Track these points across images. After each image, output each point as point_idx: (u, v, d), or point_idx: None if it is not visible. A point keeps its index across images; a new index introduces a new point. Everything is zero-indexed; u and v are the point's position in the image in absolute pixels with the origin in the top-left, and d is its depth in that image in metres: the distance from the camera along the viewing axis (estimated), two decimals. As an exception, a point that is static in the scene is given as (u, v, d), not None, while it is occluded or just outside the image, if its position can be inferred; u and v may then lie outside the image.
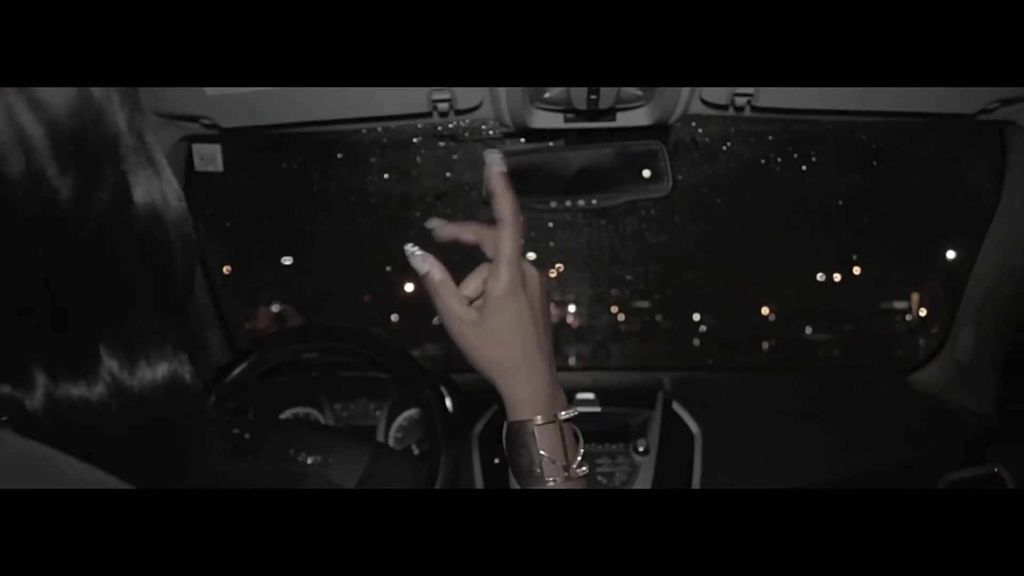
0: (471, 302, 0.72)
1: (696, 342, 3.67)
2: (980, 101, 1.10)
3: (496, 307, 0.68)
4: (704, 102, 1.13)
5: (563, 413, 0.72)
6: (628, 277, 2.43)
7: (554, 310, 3.12)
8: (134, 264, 0.45)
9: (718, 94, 1.11)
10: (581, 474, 0.72)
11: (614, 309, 3.36)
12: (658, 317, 3.52)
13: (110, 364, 0.44)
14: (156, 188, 0.47)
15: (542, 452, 0.70)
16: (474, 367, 0.72)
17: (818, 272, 3.02)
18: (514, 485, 0.73)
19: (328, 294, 2.70)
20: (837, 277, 3.13)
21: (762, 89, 1.08)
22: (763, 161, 1.65)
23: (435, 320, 0.72)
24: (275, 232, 2.02)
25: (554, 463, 0.70)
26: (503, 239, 0.69)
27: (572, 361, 3.18)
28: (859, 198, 1.89)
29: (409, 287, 2.83)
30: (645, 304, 3.39)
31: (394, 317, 3.01)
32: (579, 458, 0.73)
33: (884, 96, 1.09)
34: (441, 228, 0.74)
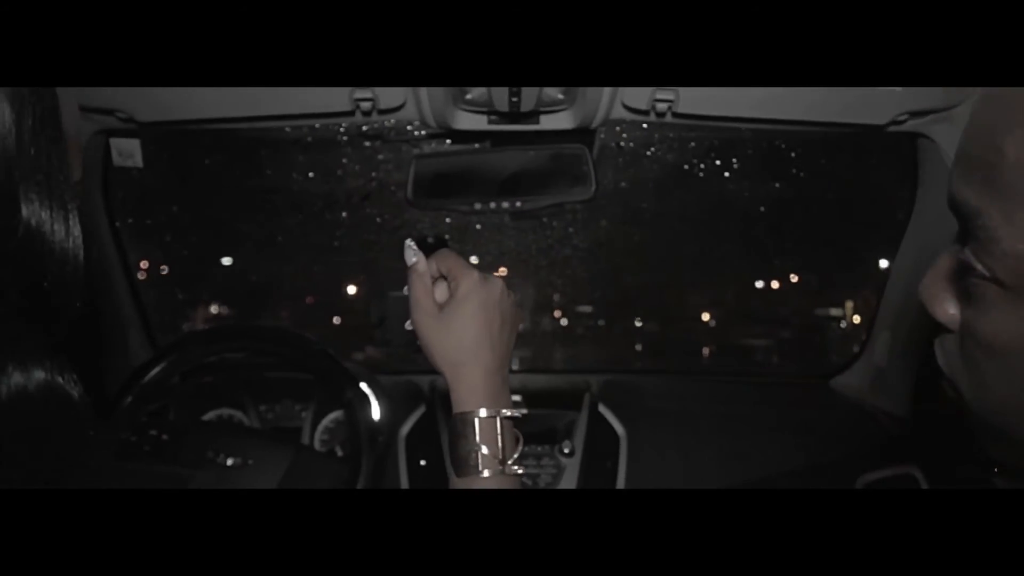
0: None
1: (638, 347, 3.71)
2: (889, 112, 1.14)
3: (453, 306, 0.78)
4: (626, 107, 1.15)
5: (506, 411, 0.77)
6: (559, 281, 2.45)
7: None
8: (6, 275, 0.44)
9: (639, 99, 1.12)
10: (515, 471, 0.76)
11: (557, 313, 3.37)
12: (600, 322, 3.55)
13: None
14: (45, 202, 0.46)
15: (480, 444, 0.75)
16: (427, 356, 0.80)
17: (756, 279, 3.08)
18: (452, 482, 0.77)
19: (270, 296, 2.67)
20: (775, 284, 3.20)
21: (682, 95, 1.10)
22: (686, 167, 1.68)
23: (408, 324, 0.82)
24: (203, 231, 1.98)
25: (490, 457, 0.74)
26: (446, 264, 0.81)
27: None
28: (782, 206, 1.94)
29: (351, 289, 2.80)
30: (588, 309, 3.41)
31: (336, 319, 2.98)
32: (516, 456, 0.77)
33: (799, 104, 1.12)
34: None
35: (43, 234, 0.46)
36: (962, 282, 0.51)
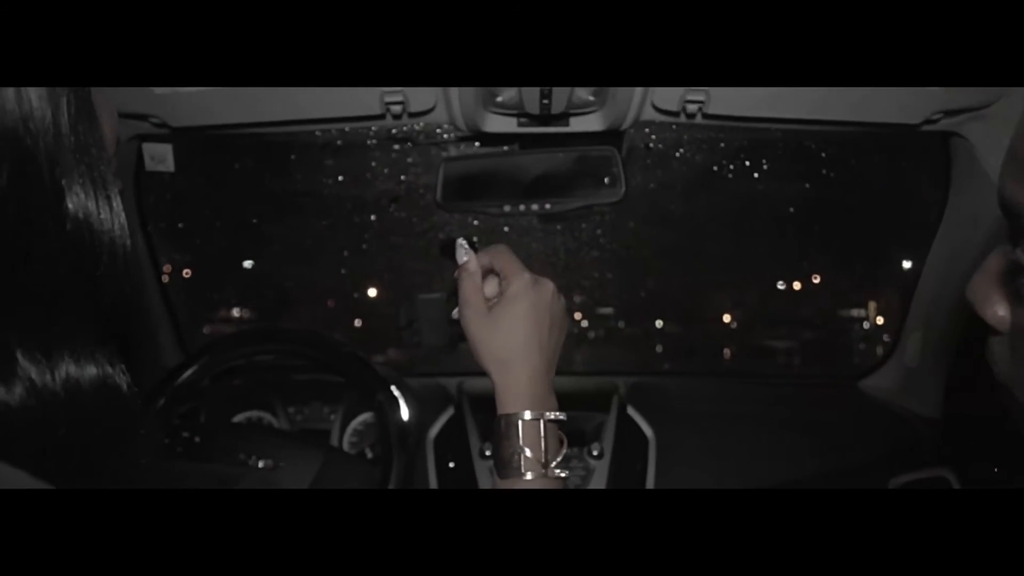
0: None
1: (659, 348, 3.70)
2: (924, 111, 1.13)
3: (504, 305, 0.79)
4: (656, 108, 1.14)
5: (550, 414, 0.77)
6: (586, 283, 2.45)
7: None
8: (59, 269, 0.45)
9: (670, 100, 1.12)
10: (558, 474, 0.76)
11: (577, 315, 3.37)
12: (620, 323, 3.54)
13: (28, 366, 0.43)
14: (90, 193, 0.46)
15: (523, 447, 0.75)
16: (474, 354, 0.81)
17: (778, 280, 3.06)
18: (483, 483, 0.76)
19: (290, 298, 2.68)
20: (797, 285, 3.18)
21: (713, 95, 1.10)
22: (715, 168, 1.67)
23: (454, 313, 0.84)
24: (229, 235, 1.99)
25: (533, 459, 0.74)
26: (499, 262, 0.82)
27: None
28: (811, 206, 1.93)
29: (372, 292, 2.81)
30: (608, 310, 3.41)
31: (357, 322, 3.00)
32: (559, 459, 0.76)
33: (831, 104, 1.11)
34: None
35: (91, 225, 0.46)
36: (1013, 283, 0.50)
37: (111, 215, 0.48)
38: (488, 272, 0.84)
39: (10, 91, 0.41)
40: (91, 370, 0.47)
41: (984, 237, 1.27)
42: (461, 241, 0.86)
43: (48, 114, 0.43)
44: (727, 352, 3.58)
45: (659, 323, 3.65)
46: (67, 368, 0.45)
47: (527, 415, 0.75)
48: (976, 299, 0.55)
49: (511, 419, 0.76)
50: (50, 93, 0.43)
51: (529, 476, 0.74)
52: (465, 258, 0.84)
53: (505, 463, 0.75)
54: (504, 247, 0.84)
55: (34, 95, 0.42)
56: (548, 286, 0.82)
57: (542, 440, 0.75)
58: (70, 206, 0.45)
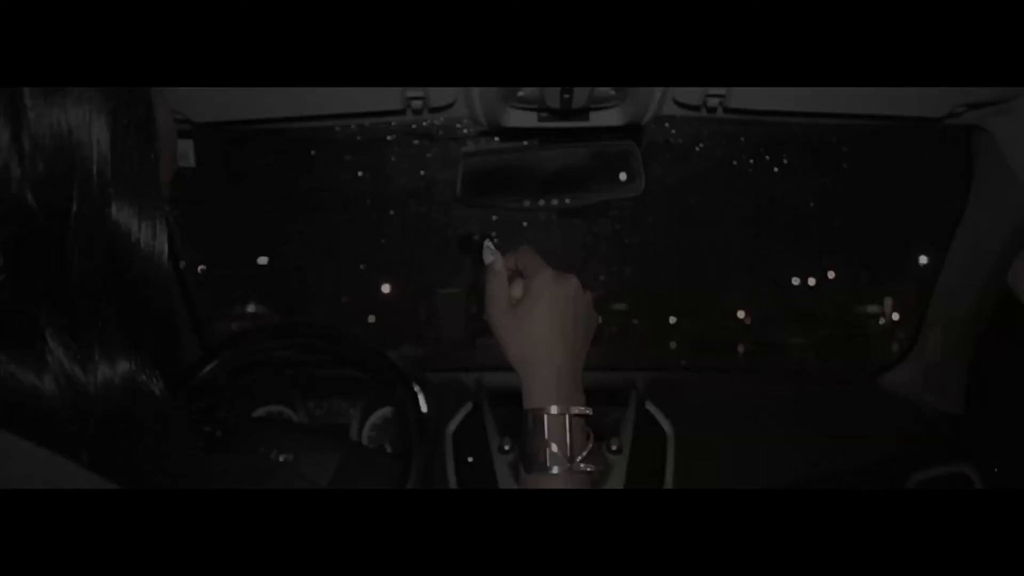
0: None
1: (672, 344, 3.70)
2: (947, 105, 1.12)
3: (527, 302, 0.80)
4: (677, 103, 1.14)
5: (575, 409, 0.77)
6: (603, 278, 2.45)
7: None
8: (97, 265, 0.45)
9: (691, 95, 1.11)
10: (584, 469, 0.76)
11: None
12: (635, 320, 3.54)
13: (62, 360, 0.44)
14: (134, 194, 0.47)
15: (549, 441, 0.75)
16: (502, 351, 0.82)
17: (793, 276, 3.05)
18: (502, 477, 0.76)
19: (305, 294, 2.69)
20: (812, 281, 3.16)
21: (734, 90, 1.09)
22: (735, 163, 1.67)
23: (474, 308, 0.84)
24: (249, 230, 2.01)
25: (559, 454, 0.75)
26: (524, 260, 0.85)
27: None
28: (830, 201, 1.92)
29: (386, 288, 2.82)
30: (623, 306, 3.41)
31: (371, 318, 3.01)
32: (584, 454, 0.76)
33: (853, 98, 1.11)
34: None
35: (130, 232, 0.47)
36: None
37: (152, 225, 0.48)
38: (514, 274, 0.86)
39: (74, 90, 0.42)
40: (123, 367, 0.48)
41: (1007, 231, 1.26)
42: (488, 243, 0.88)
43: (105, 116, 0.44)
44: (741, 348, 3.57)
45: (672, 319, 3.65)
46: (100, 366, 0.46)
47: (553, 410, 0.76)
48: (1018, 285, 0.54)
49: (537, 414, 0.76)
50: (108, 94, 0.44)
51: (555, 470, 0.74)
52: (491, 258, 0.87)
53: (531, 458, 0.76)
54: (528, 247, 0.86)
55: (93, 97, 0.43)
56: (571, 282, 0.82)
57: (567, 435, 0.75)
58: (112, 210, 0.45)
